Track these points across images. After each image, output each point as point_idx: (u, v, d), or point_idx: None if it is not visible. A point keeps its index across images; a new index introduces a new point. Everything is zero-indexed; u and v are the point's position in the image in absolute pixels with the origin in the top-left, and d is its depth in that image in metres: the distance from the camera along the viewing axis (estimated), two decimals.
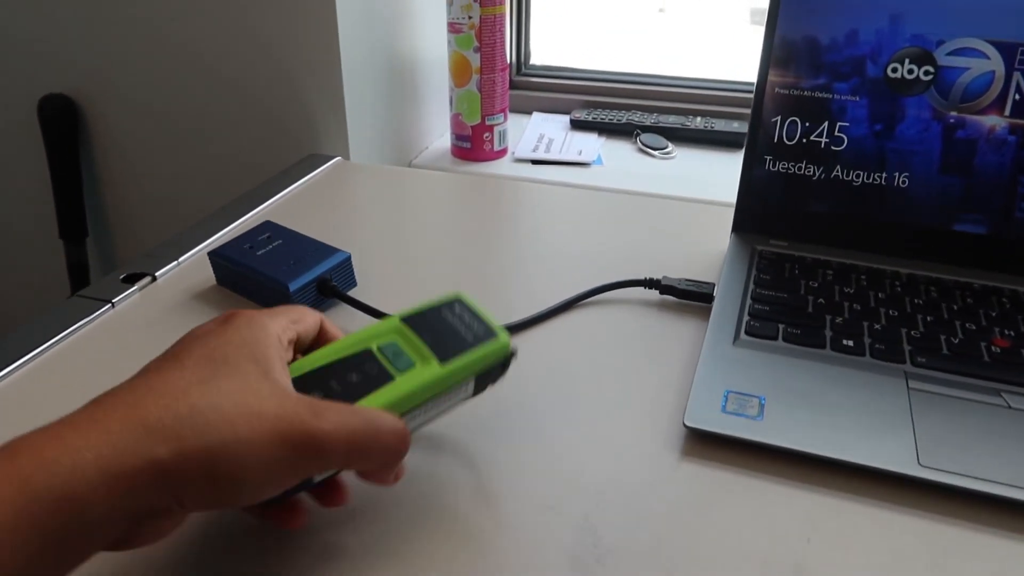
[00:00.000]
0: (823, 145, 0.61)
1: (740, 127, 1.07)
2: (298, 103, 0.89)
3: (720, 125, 1.08)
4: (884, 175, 0.60)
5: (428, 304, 0.41)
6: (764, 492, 0.42)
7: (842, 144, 0.61)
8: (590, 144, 1.07)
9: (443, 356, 0.38)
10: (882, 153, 0.60)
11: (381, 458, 0.35)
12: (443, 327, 0.39)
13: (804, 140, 0.61)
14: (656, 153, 1.05)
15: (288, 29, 0.86)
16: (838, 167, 0.61)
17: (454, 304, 0.41)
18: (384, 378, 0.37)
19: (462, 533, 0.39)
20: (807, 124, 0.61)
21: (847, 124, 0.60)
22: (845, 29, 0.58)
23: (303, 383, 0.36)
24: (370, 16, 0.89)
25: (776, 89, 0.61)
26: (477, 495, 0.41)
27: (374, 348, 0.38)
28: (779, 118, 0.62)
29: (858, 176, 0.61)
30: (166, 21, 0.91)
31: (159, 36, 0.93)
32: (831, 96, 0.60)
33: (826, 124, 0.61)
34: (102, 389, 0.54)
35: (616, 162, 1.03)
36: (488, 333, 0.39)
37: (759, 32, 0.61)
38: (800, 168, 0.62)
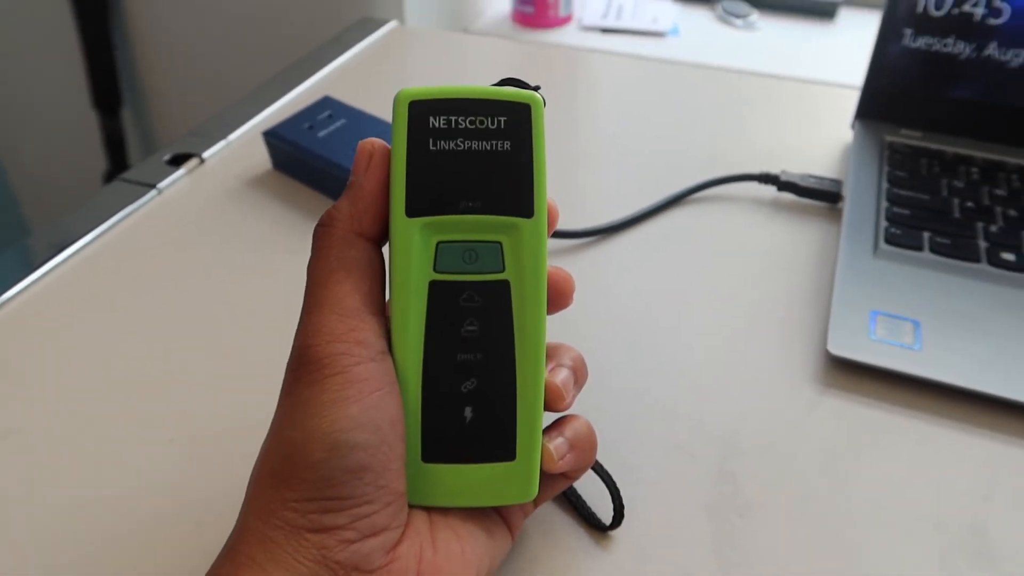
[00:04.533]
0: (978, 17, 0.52)
1: None
2: None
3: None
4: None
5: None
6: (928, 436, 0.36)
7: (1001, 16, 0.51)
8: (665, 11, 0.96)
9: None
10: None
11: None
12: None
13: (956, 10, 0.52)
14: (738, 22, 0.94)
15: None
16: (993, 44, 0.52)
17: None
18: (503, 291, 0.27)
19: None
20: None
21: None
22: None
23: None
24: None
25: None
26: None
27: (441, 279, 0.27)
28: None
29: (1016, 56, 0.52)
30: None
31: None
32: None
33: None
34: (151, 284, 0.50)
35: (694, 33, 0.93)
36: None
37: None
38: (946, 44, 0.53)
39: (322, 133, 0.52)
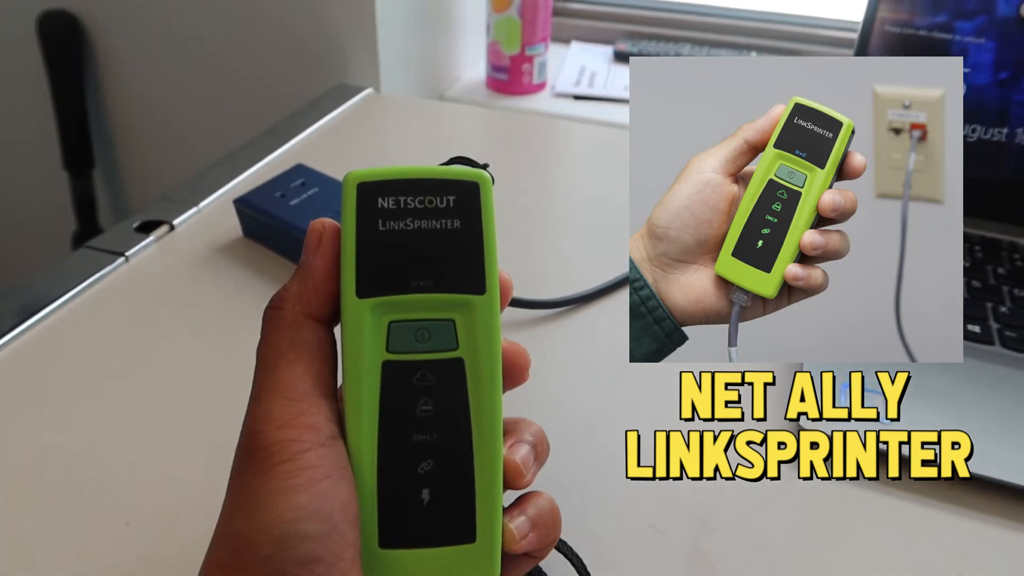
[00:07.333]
0: None
1: None
2: (324, 26, 0.80)
3: None
4: (1005, 131, 0.53)
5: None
6: (896, 512, 0.36)
7: None
8: None
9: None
10: (1005, 106, 0.52)
11: None
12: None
13: None
14: None
15: None
16: None
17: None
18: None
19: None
20: None
21: (968, 70, 0.52)
22: None
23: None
24: None
25: (886, 27, 0.53)
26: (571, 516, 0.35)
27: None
28: None
29: (973, 131, 0.53)
30: None
31: None
32: (951, 37, 0.52)
33: None
34: (115, 353, 0.49)
35: None
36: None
37: None
38: None
39: (294, 201, 0.52)
